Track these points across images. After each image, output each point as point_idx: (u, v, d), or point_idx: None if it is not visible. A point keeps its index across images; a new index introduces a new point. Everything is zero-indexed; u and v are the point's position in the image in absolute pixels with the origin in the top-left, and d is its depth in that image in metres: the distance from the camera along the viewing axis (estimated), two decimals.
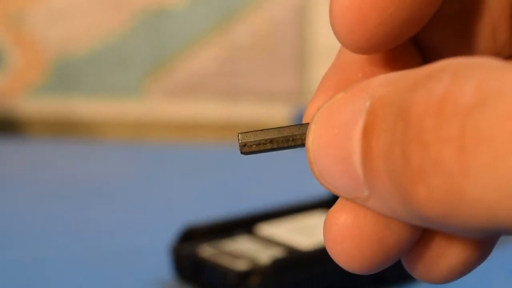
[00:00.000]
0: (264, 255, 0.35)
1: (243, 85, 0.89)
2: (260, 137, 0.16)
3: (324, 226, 0.16)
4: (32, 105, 0.91)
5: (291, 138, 0.16)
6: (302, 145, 0.16)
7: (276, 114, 0.85)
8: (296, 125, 0.16)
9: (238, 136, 0.16)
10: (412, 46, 0.18)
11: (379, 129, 0.14)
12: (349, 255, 0.15)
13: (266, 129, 0.16)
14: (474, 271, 0.17)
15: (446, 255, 0.16)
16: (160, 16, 0.89)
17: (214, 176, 0.64)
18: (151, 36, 0.89)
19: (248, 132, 0.16)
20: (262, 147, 0.16)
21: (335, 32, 0.16)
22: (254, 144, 0.16)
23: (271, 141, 0.16)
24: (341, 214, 0.15)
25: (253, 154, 0.16)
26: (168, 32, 0.89)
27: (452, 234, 0.15)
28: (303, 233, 0.38)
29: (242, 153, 0.16)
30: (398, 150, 0.13)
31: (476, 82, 0.12)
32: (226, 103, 0.89)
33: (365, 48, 0.16)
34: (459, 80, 0.13)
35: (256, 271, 0.33)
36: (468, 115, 0.12)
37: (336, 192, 0.15)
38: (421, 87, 0.13)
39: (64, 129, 0.90)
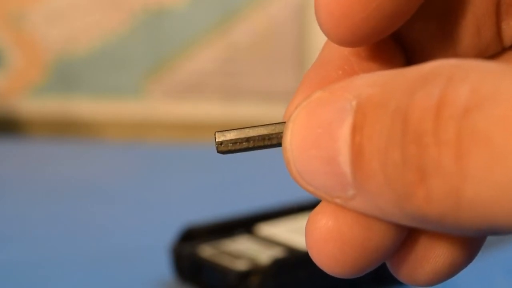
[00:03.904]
0: (264, 255, 0.35)
1: (243, 85, 0.89)
2: (236, 135, 0.16)
3: (305, 230, 0.16)
4: (32, 105, 0.91)
5: (267, 137, 0.16)
6: (279, 144, 0.16)
7: (276, 114, 0.85)
8: (274, 123, 0.16)
9: (214, 134, 0.16)
10: (394, 43, 0.18)
11: (372, 129, 0.14)
12: (331, 259, 0.15)
13: (243, 128, 0.16)
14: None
15: (430, 258, 0.16)
16: (160, 16, 0.89)
17: (214, 176, 0.64)
18: (151, 36, 0.89)
19: (225, 130, 0.16)
20: (238, 146, 0.16)
21: (320, 25, 0.16)
22: (230, 143, 0.16)
23: (247, 140, 0.16)
24: (321, 217, 0.15)
25: (230, 153, 0.16)
26: (168, 32, 0.89)
27: (444, 234, 0.15)
28: (303, 233, 0.38)
29: (218, 152, 0.16)
30: (396, 151, 0.13)
31: (471, 85, 0.12)
32: (226, 103, 0.89)
33: (350, 41, 0.16)
34: (454, 83, 0.13)
35: (256, 271, 0.33)
36: (464, 118, 0.12)
37: (315, 192, 0.15)
38: (419, 90, 0.13)
39: (64, 129, 0.90)
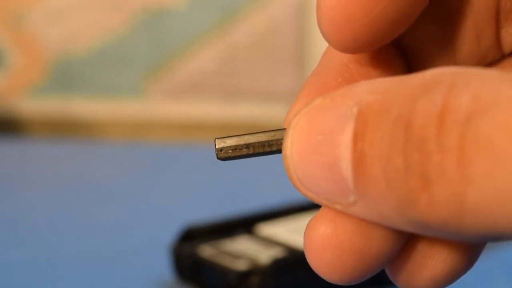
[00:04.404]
0: (264, 255, 0.35)
1: (243, 85, 0.89)
2: (236, 142, 0.16)
3: (304, 236, 0.16)
4: (32, 105, 0.91)
5: (267, 143, 0.16)
6: (279, 151, 0.16)
7: (276, 114, 0.85)
8: (274, 130, 0.16)
9: (214, 141, 0.16)
10: (393, 50, 0.18)
11: (373, 136, 0.14)
12: (329, 266, 0.15)
13: (243, 134, 0.16)
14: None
15: (429, 265, 0.16)
16: (160, 16, 0.89)
17: (214, 176, 0.64)
18: (151, 36, 0.89)
19: (225, 137, 0.16)
20: (238, 153, 0.16)
21: (322, 31, 0.16)
22: (230, 149, 0.16)
23: (247, 146, 0.16)
24: (320, 224, 0.15)
25: (230, 159, 0.16)
26: (168, 32, 0.89)
27: (443, 241, 0.15)
28: (303, 233, 0.38)
29: (218, 158, 0.16)
30: (398, 158, 0.13)
31: (472, 92, 0.13)
32: (226, 103, 0.89)
33: (351, 47, 0.16)
34: (456, 90, 0.13)
35: (256, 271, 0.33)
36: (466, 124, 0.12)
37: (315, 198, 0.15)
38: (421, 97, 0.13)
39: (64, 129, 0.90)
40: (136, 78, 0.90)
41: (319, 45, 0.83)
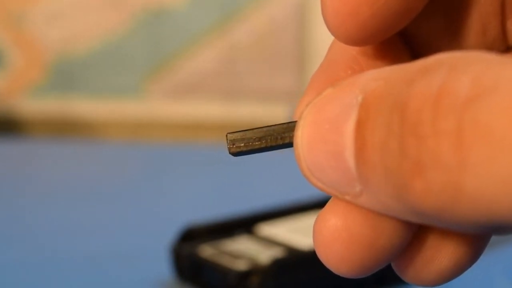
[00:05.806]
0: (264, 255, 0.35)
1: (243, 85, 0.89)
2: (249, 136, 0.16)
3: (313, 229, 0.16)
4: (32, 105, 0.91)
5: (279, 136, 0.16)
6: (291, 143, 0.16)
7: (276, 114, 0.85)
8: (285, 123, 0.16)
9: (226, 136, 0.16)
10: (401, 42, 0.18)
11: (374, 122, 0.14)
12: (338, 258, 0.15)
13: (255, 128, 0.16)
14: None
15: (436, 259, 0.16)
16: (159, 16, 0.89)
17: (214, 176, 0.64)
18: (151, 36, 0.89)
19: (236, 131, 0.16)
20: (250, 146, 0.16)
21: (326, 24, 0.16)
22: (242, 144, 0.16)
23: (259, 139, 0.16)
24: (330, 217, 0.15)
25: (242, 154, 0.16)
26: (168, 32, 0.89)
27: (446, 230, 0.15)
28: (303, 233, 0.38)
29: (230, 153, 0.16)
30: (394, 143, 0.13)
31: (472, 75, 0.12)
32: (226, 103, 0.89)
33: (356, 39, 0.16)
34: (456, 73, 0.13)
35: (256, 271, 0.34)
36: (465, 108, 0.12)
37: (325, 188, 0.15)
38: (418, 80, 0.13)
39: (64, 129, 0.90)
40: (136, 78, 0.90)
41: (319, 45, 0.83)
